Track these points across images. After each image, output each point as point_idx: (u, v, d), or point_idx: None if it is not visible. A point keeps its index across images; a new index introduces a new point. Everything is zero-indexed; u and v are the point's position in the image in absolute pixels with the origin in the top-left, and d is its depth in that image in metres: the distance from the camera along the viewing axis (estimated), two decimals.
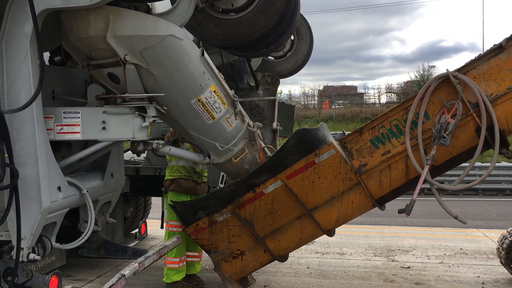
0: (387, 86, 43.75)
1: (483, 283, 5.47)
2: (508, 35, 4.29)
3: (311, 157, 4.70)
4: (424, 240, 7.66)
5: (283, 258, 5.19)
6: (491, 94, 4.31)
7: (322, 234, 5.01)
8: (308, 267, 6.25)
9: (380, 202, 4.81)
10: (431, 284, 5.47)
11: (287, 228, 4.99)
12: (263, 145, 4.76)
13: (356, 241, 7.55)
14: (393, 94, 41.16)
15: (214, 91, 3.92)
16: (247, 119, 4.49)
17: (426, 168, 4.39)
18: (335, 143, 4.70)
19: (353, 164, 4.70)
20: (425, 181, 4.47)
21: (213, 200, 4.95)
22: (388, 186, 4.70)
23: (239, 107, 4.32)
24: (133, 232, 7.08)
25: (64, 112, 3.57)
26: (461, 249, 7.08)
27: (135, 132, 3.59)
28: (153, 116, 3.62)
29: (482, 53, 4.43)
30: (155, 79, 3.57)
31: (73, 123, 3.57)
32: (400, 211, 4.53)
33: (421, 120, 4.47)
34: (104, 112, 3.60)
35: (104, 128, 3.58)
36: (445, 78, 4.41)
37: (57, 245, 3.58)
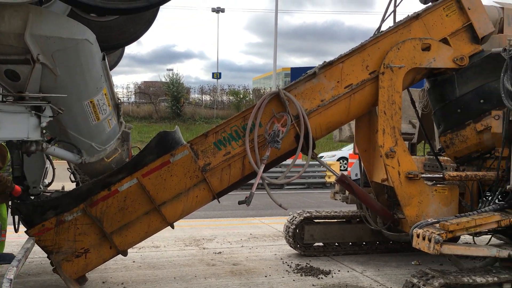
0: (136, 85, 44.64)
1: (281, 259, 6.83)
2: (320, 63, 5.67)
3: (167, 157, 5.18)
4: (219, 230, 8.79)
5: (125, 252, 5.46)
6: (306, 109, 5.60)
7: (166, 227, 5.51)
8: (133, 261, 6.56)
9: (219, 195, 5.61)
10: (245, 264, 6.55)
11: (134, 223, 5.31)
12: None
13: (162, 235, 8.03)
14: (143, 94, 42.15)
15: (105, 94, 4.03)
16: (123, 120, 4.66)
17: (262, 167, 5.39)
18: (188, 145, 5.29)
19: (199, 164, 5.37)
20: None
21: (68, 199, 4.90)
22: (227, 182, 5.53)
23: (121, 109, 4.48)
24: None
25: None
26: (251, 234, 8.46)
27: (30, 132, 3.47)
28: (49, 116, 3.55)
29: (302, 75, 5.71)
30: (56, 79, 3.52)
31: None
32: (240, 202, 5.40)
33: (257, 127, 5.45)
34: None
35: None
36: (276, 94, 5.52)
37: None
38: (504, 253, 4.75)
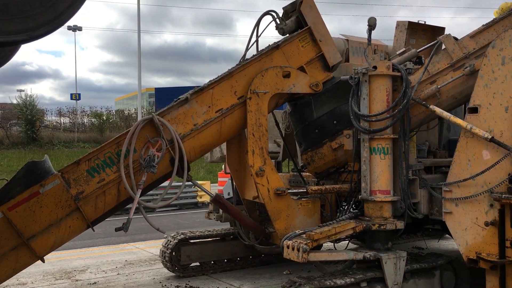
0: None
1: (160, 282, 6.85)
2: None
3: (36, 187, 4.97)
4: (91, 259, 8.45)
5: None
6: (180, 134, 5.78)
7: (37, 261, 5.26)
8: None
9: (94, 224, 5.50)
10: None
11: (0, 260, 4.97)
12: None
13: (28, 270, 7.50)
14: None
15: None
16: None
17: (139, 192, 5.44)
18: (59, 174, 5.13)
19: (72, 192, 5.23)
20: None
21: None
22: (102, 209, 5.46)
23: None
24: None
25: None
26: (126, 260, 8.29)
27: None
28: None
29: (174, 100, 5.87)
30: None
31: None
32: (118, 229, 5.39)
33: (131, 152, 5.49)
34: None
35: None
36: (150, 120, 5.62)
37: None
38: (360, 255, 5.40)
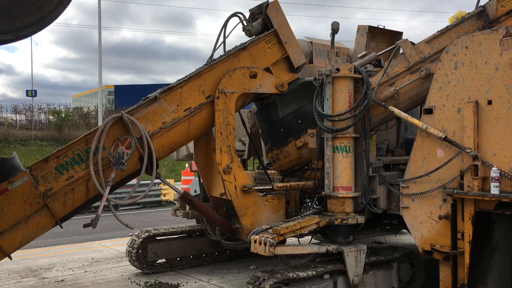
0: None
1: (129, 278, 6.91)
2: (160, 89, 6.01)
3: (5, 184, 4.98)
4: (57, 257, 8.39)
5: None
6: (149, 132, 5.88)
7: (4, 258, 5.26)
8: None
9: (62, 220, 5.54)
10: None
11: None
12: None
13: None
14: None
15: None
16: None
17: (108, 189, 5.51)
18: (28, 171, 5.14)
19: (40, 189, 5.26)
20: None
21: None
22: (71, 206, 5.51)
23: None
24: None
25: None
26: (92, 258, 8.28)
27: None
28: None
29: (143, 99, 5.96)
30: None
31: None
32: (86, 225, 5.45)
33: (101, 149, 5.54)
34: None
35: None
36: (119, 118, 5.69)
37: None
38: (323, 249, 5.65)
